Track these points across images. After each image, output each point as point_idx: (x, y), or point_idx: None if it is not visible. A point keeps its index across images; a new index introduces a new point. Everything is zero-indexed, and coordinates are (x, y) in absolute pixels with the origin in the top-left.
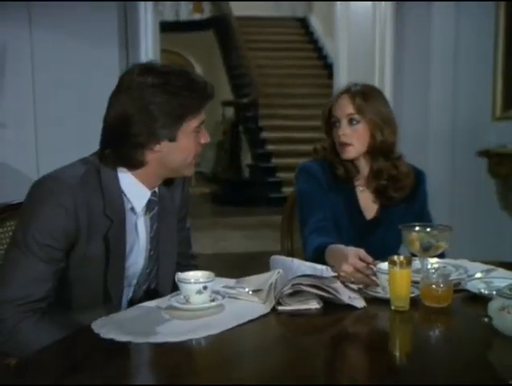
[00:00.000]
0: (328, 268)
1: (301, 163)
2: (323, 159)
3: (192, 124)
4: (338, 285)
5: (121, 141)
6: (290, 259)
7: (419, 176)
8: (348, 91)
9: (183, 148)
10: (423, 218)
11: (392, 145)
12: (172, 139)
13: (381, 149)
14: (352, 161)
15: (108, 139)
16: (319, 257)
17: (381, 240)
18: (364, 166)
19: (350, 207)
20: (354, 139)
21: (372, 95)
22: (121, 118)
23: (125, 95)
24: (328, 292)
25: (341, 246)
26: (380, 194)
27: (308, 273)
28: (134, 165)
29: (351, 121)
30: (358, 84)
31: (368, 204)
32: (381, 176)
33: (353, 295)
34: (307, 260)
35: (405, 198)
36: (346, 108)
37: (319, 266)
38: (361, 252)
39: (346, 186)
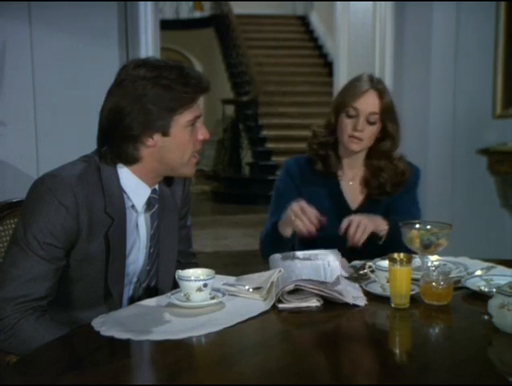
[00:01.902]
0: (330, 262)
1: (287, 158)
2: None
3: (185, 117)
4: (341, 287)
5: (115, 135)
6: (291, 255)
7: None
8: (375, 88)
9: (178, 143)
10: (405, 210)
11: (394, 150)
12: (165, 133)
13: (387, 151)
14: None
15: (103, 134)
16: (273, 232)
17: None
18: (359, 160)
19: (335, 199)
20: (366, 136)
21: (390, 96)
22: (114, 111)
23: (118, 88)
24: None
25: None
26: (376, 189)
27: (312, 277)
28: (129, 160)
29: (369, 119)
30: (380, 84)
31: (353, 196)
32: (381, 174)
33: (356, 294)
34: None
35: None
36: (372, 106)
37: (320, 261)
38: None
39: (330, 179)
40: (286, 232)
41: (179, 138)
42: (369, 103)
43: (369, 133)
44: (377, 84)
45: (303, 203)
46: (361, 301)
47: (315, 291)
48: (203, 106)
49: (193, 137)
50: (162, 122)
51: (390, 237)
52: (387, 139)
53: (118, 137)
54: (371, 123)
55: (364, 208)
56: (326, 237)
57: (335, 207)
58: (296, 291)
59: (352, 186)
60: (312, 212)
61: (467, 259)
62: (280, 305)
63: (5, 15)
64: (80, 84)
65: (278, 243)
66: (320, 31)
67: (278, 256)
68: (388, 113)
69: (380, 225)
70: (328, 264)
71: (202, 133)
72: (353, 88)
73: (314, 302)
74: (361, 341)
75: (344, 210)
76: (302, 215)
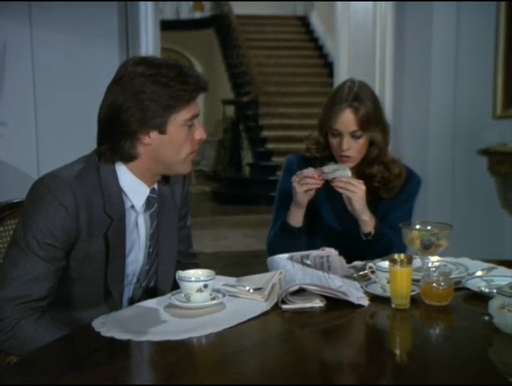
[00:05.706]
0: (330, 275)
1: (290, 155)
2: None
3: (182, 116)
4: (345, 288)
5: (113, 131)
6: (288, 258)
7: (410, 177)
8: (350, 106)
9: (174, 141)
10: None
11: (383, 155)
12: (162, 131)
13: (376, 158)
14: None
15: (101, 131)
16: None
17: None
18: (355, 169)
19: (334, 202)
20: (355, 152)
21: (370, 104)
22: (113, 107)
23: (117, 85)
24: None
25: None
26: (370, 195)
27: (316, 282)
28: (125, 157)
29: (353, 135)
30: (358, 96)
31: None
32: (374, 179)
33: (360, 295)
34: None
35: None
36: (350, 125)
37: (320, 273)
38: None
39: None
40: (298, 218)
41: (175, 137)
42: (347, 123)
43: (357, 148)
44: (352, 101)
45: (299, 173)
46: (365, 301)
47: (320, 292)
48: (203, 106)
49: (190, 137)
50: (159, 120)
51: (371, 242)
52: (374, 146)
53: (116, 133)
54: (357, 137)
55: None
56: (326, 238)
57: (334, 210)
58: (299, 292)
59: None
60: (310, 172)
61: (467, 260)
62: (284, 306)
63: (5, 15)
64: (80, 84)
65: (290, 241)
66: (320, 32)
67: (276, 257)
68: (368, 124)
69: (366, 216)
70: (328, 275)
71: (199, 133)
72: (330, 109)
73: (317, 303)
74: (361, 341)
75: (343, 213)
76: (304, 179)
